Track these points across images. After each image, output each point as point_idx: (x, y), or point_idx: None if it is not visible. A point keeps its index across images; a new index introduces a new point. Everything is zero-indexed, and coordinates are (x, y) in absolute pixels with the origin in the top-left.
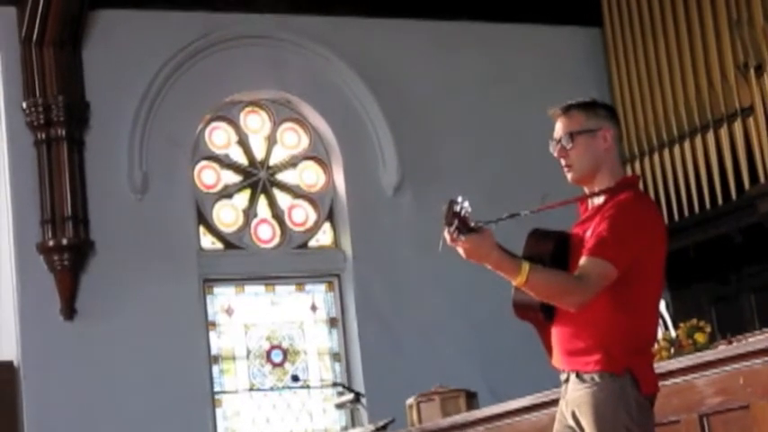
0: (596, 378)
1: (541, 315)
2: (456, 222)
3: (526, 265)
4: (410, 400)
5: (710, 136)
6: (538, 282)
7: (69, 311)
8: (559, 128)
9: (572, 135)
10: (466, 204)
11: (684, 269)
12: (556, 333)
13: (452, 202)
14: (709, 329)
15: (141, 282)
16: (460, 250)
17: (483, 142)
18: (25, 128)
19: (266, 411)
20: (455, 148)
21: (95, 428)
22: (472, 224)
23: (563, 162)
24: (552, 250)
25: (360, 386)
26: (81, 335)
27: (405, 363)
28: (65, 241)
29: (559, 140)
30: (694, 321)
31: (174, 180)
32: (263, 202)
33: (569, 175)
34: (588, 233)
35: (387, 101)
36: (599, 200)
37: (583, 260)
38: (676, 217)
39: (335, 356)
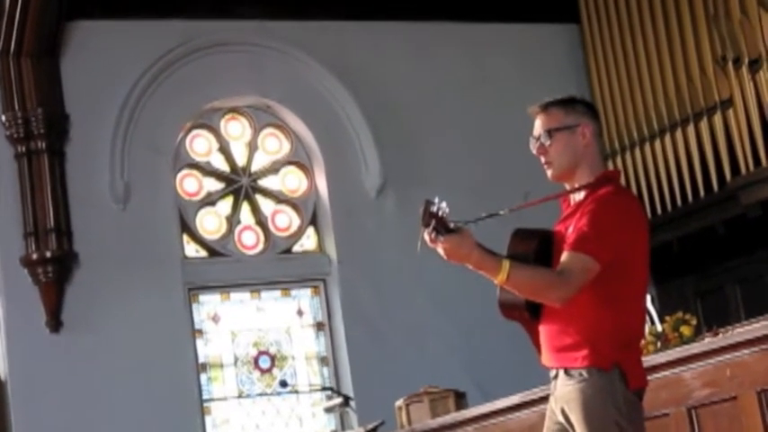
0: (584, 374)
1: (527, 313)
2: (433, 223)
3: (507, 263)
4: (399, 402)
5: (691, 129)
6: (519, 279)
7: (55, 324)
8: (538, 125)
9: (550, 132)
10: (443, 205)
11: (669, 263)
12: (543, 330)
13: (429, 203)
14: (695, 322)
15: (126, 292)
16: (440, 251)
17: (464, 142)
18: (5, 141)
19: (255, 418)
20: (437, 148)
21: None
22: (451, 224)
23: (542, 159)
24: (536, 249)
25: (348, 389)
26: (68, 347)
27: (393, 365)
28: (48, 254)
29: (538, 138)
30: (680, 314)
31: (156, 189)
32: (246, 208)
33: (549, 173)
34: (570, 229)
35: (367, 104)
36: (580, 196)
37: (564, 255)
38: (659, 211)
39: (323, 361)
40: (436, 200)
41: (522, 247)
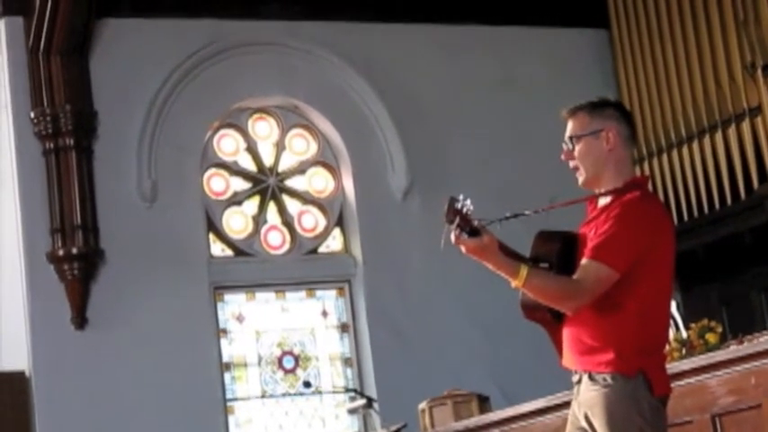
0: (608, 379)
1: (549, 315)
2: (457, 220)
3: (524, 271)
4: (422, 405)
5: (719, 136)
6: (535, 286)
7: (80, 320)
8: (567, 131)
9: (574, 138)
10: (468, 202)
11: (694, 270)
12: (566, 333)
13: (453, 200)
14: (720, 330)
15: (152, 290)
16: (462, 248)
17: (492, 145)
18: (33, 138)
19: (279, 418)
20: (464, 151)
21: None
22: (475, 222)
23: (570, 165)
24: (559, 250)
25: (372, 391)
26: (92, 344)
27: (416, 367)
28: (75, 250)
29: (566, 144)
30: (705, 322)
31: (183, 188)
32: (272, 208)
33: (579, 179)
34: (593, 233)
35: (395, 105)
36: (606, 200)
37: (582, 262)
38: (686, 217)
39: (347, 362)
40: (461, 197)
41: (545, 247)
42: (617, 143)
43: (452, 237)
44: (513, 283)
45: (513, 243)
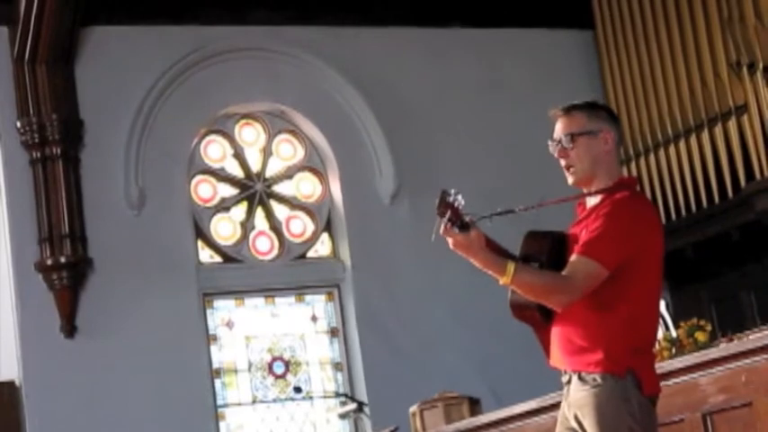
0: (598, 379)
1: (538, 315)
2: (449, 214)
3: (511, 266)
4: (413, 408)
5: (705, 135)
6: (523, 281)
7: (70, 329)
8: (560, 128)
9: (572, 136)
10: (459, 197)
11: (683, 269)
12: (555, 333)
13: (445, 193)
14: (709, 328)
15: (141, 297)
16: (449, 241)
17: (479, 147)
18: (20, 147)
19: (270, 423)
20: (451, 154)
21: None
22: (466, 217)
23: (563, 163)
24: (549, 249)
25: (362, 395)
26: (82, 352)
27: (407, 370)
28: (63, 259)
29: (559, 141)
30: (695, 320)
31: (170, 195)
32: (260, 214)
33: (570, 178)
34: (583, 233)
35: (381, 109)
36: (595, 200)
37: (572, 258)
38: (674, 217)
39: (337, 366)
40: (452, 191)
41: (534, 247)
42: (612, 146)
43: (441, 228)
44: (501, 280)
45: (503, 243)
